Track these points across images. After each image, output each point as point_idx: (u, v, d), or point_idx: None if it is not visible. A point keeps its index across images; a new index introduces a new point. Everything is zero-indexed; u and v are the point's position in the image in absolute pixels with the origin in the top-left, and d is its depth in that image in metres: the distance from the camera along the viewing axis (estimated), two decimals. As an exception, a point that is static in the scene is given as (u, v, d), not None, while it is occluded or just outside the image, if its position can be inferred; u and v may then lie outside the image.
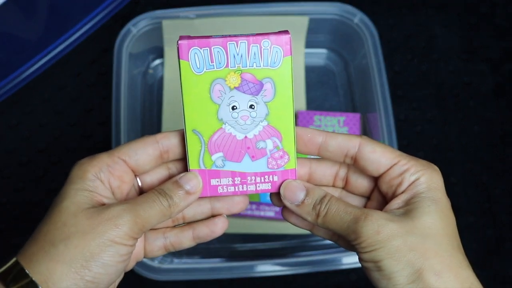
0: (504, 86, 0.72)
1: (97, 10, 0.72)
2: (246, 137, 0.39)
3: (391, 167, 0.37)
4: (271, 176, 0.39)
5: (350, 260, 0.58)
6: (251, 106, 0.38)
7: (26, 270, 0.33)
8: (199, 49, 0.37)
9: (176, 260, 0.63)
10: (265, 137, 0.39)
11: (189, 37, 0.37)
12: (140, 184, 0.40)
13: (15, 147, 0.69)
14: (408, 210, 0.35)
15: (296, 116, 0.68)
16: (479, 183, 0.68)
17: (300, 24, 0.69)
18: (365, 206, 0.41)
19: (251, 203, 0.64)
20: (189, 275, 0.59)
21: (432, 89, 0.72)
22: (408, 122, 0.70)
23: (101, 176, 0.37)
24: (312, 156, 0.40)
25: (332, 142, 0.38)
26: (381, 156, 0.37)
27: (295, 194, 0.38)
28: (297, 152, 0.39)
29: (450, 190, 0.68)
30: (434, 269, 0.33)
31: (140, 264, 0.57)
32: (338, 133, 0.38)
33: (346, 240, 0.37)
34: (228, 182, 0.39)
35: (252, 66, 0.37)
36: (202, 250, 0.65)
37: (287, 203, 0.38)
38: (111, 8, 0.73)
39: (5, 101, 0.70)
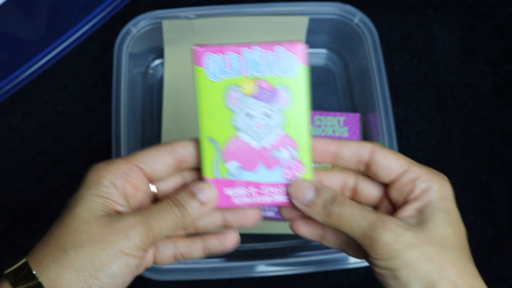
0: (503, 86, 0.72)
1: (97, 10, 0.72)
2: (261, 145, 0.38)
3: (402, 174, 0.37)
4: (287, 188, 0.39)
5: (350, 260, 0.58)
6: (266, 114, 0.37)
7: (35, 273, 0.33)
8: (214, 55, 0.36)
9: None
10: (280, 146, 0.38)
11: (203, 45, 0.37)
12: (155, 191, 0.40)
13: (15, 147, 0.69)
14: (422, 219, 0.35)
15: (296, 116, 0.68)
16: (479, 183, 0.68)
17: (300, 24, 0.69)
18: None
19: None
20: (189, 275, 0.59)
21: (432, 89, 0.72)
22: (408, 122, 0.70)
23: (117, 183, 0.36)
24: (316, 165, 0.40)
25: (346, 150, 0.38)
26: (393, 162, 0.37)
27: (304, 192, 0.37)
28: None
29: (450, 190, 0.68)
30: (450, 280, 0.33)
31: (140, 264, 0.57)
32: (350, 141, 0.38)
33: (357, 246, 0.37)
34: (243, 192, 0.39)
35: (268, 74, 0.37)
36: (202, 250, 0.65)
37: (297, 203, 0.38)
38: (111, 8, 0.73)
39: (5, 101, 0.70)
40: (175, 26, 0.68)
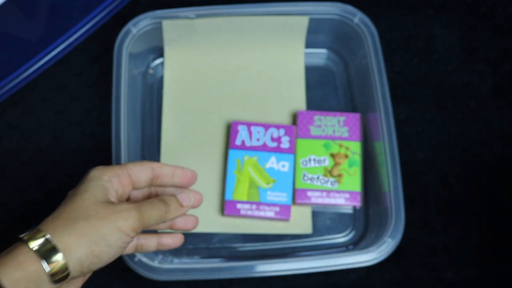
0: (503, 86, 0.72)
1: (97, 10, 0.72)
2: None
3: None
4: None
5: (350, 260, 0.58)
6: None
7: (49, 237, 0.41)
8: None
9: (176, 260, 0.63)
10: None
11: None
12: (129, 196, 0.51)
13: (15, 147, 0.69)
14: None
15: (296, 116, 0.68)
16: (479, 183, 0.68)
17: (300, 24, 0.69)
18: None
19: (251, 203, 0.64)
20: (189, 275, 0.59)
21: (432, 89, 0.72)
22: (408, 122, 0.70)
23: (113, 180, 0.46)
24: None
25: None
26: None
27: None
28: None
29: (450, 190, 0.69)
30: None
31: (140, 264, 0.58)
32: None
33: None
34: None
35: None
36: (202, 250, 0.65)
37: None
38: (111, 8, 0.73)
39: (5, 101, 0.70)
40: (175, 26, 0.68)
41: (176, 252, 0.64)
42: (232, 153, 0.66)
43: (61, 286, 0.42)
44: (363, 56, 0.67)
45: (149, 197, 0.51)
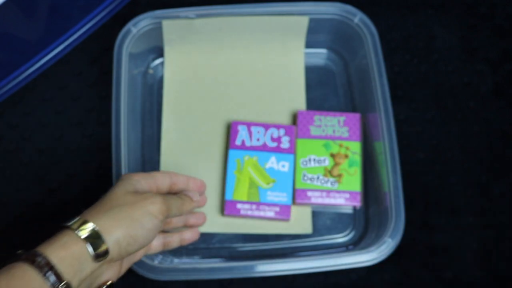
0: (503, 86, 0.72)
1: (97, 10, 0.72)
2: None
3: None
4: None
5: (350, 260, 0.58)
6: None
7: (91, 223, 0.46)
8: None
9: (176, 260, 0.63)
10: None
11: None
12: None
13: (15, 147, 0.69)
14: None
15: (296, 116, 0.68)
16: (479, 183, 0.68)
17: (300, 24, 0.69)
18: None
19: (251, 203, 0.64)
20: (189, 275, 0.59)
21: (432, 89, 0.72)
22: (408, 122, 0.70)
23: (141, 181, 0.53)
24: None
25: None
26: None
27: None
28: None
29: (450, 190, 0.69)
30: None
31: (140, 264, 0.58)
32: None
33: None
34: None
35: None
36: (202, 250, 0.65)
37: None
38: (111, 8, 0.73)
39: (5, 101, 0.70)
40: (175, 26, 0.68)
41: (176, 252, 0.64)
42: (232, 153, 0.66)
43: (101, 267, 0.48)
44: (363, 56, 0.67)
45: None
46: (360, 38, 0.67)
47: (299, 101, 0.71)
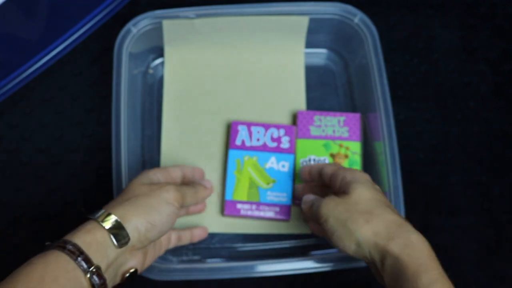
0: (503, 86, 0.72)
1: (97, 10, 0.72)
2: None
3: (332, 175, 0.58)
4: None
5: (350, 260, 0.58)
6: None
7: (114, 215, 0.50)
8: None
9: (176, 260, 0.63)
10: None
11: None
12: None
13: (15, 147, 0.69)
14: (344, 192, 0.54)
15: (296, 116, 0.68)
16: (479, 183, 0.68)
17: (300, 24, 0.69)
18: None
19: (251, 203, 0.64)
20: (189, 275, 0.59)
21: (432, 89, 0.72)
22: (408, 122, 0.70)
23: (157, 174, 0.58)
24: None
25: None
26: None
27: (303, 201, 0.59)
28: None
29: (450, 190, 0.69)
30: (364, 217, 0.50)
31: (140, 264, 0.58)
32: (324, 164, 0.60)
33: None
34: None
35: None
36: (202, 250, 0.65)
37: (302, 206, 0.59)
38: (111, 8, 0.73)
39: (5, 101, 0.70)
40: (175, 26, 0.68)
41: (176, 252, 0.64)
42: (232, 153, 0.66)
43: (125, 255, 0.51)
44: (363, 56, 0.67)
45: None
46: (360, 38, 0.67)
47: (299, 101, 0.71)
